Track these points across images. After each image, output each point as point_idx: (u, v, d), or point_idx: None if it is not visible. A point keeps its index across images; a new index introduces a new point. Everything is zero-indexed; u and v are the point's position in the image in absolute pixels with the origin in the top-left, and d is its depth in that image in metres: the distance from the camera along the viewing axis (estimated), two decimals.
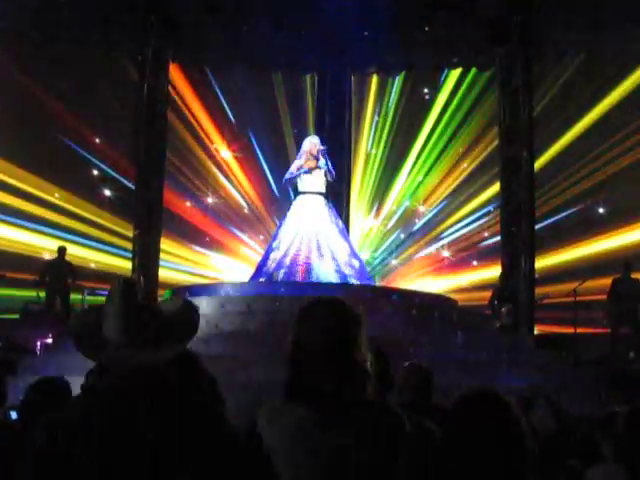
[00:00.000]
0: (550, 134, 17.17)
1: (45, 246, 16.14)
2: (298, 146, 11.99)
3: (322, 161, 10.75)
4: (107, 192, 18.24)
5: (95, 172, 17.82)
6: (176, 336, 2.38)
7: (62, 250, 13.80)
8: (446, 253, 19.27)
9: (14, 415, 4.20)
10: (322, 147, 10.82)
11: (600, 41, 13.88)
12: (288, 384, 2.29)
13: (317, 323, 2.31)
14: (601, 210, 17.62)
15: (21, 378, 8.38)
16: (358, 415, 2.21)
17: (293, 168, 11.04)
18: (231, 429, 2.34)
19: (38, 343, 11.82)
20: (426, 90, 18.81)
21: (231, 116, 19.12)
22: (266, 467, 2.23)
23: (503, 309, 12.25)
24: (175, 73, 15.88)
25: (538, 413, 3.15)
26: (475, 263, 18.79)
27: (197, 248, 19.25)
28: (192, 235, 19.20)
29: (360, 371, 2.26)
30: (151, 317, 2.33)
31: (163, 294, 12.88)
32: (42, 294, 13.47)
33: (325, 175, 10.84)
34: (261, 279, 10.77)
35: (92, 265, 15.97)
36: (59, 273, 13.47)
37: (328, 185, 11.05)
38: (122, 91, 15.96)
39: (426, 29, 13.98)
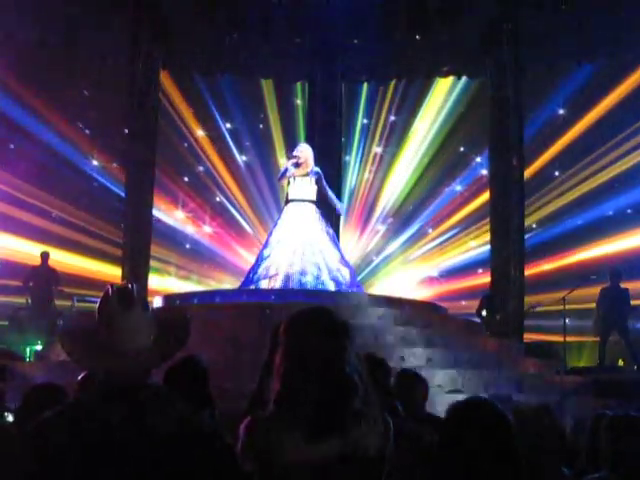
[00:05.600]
0: (539, 144, 17.22)
1: (31, 252, 15.92)
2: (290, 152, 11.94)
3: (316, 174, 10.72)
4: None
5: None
6: (171, 344, 2.40)
7: (45, 255, 13.52)
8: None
9: (10, 418, 4.22)
10: (317, 169, 10.76)
11: (591, 49, 13.94)
12: (277, 396, 2.25)
13: (304, 334, 2.28)
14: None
15: (10, 384, 8.34)
16: (345, 427, 2.19)
17: (288, 163, 10.93)
18: (219, 441, 2.35)
19: (27, 349, 11.77)
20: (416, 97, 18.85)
21: (220, 122, 19.11)
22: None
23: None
24: (165, 80, 15.86)
25: (531, 421, 3.16)
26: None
27: (187, 254, 19.22)
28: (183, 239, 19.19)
29: (348, 382, 2.23)
30: (150, 325, 2.34)
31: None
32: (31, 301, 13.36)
33: (316, 183, 10.80)
34: (251, 286, 10.75)
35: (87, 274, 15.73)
36: (42, 279, 13.28)
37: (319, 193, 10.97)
38: (113, 97, 15.91)
39: (417, 37, 14.02)
